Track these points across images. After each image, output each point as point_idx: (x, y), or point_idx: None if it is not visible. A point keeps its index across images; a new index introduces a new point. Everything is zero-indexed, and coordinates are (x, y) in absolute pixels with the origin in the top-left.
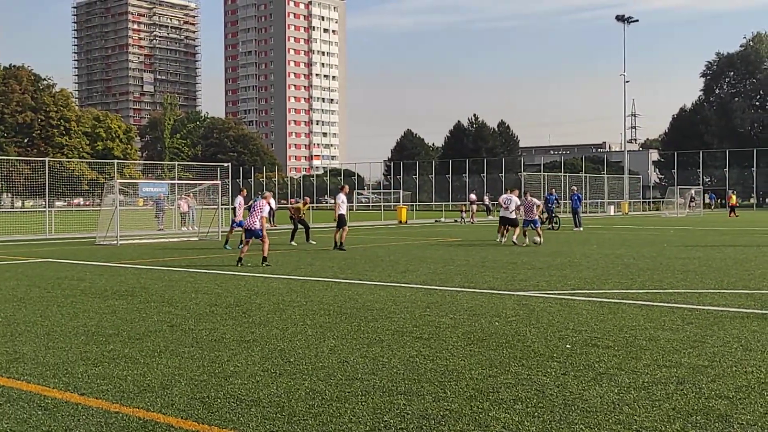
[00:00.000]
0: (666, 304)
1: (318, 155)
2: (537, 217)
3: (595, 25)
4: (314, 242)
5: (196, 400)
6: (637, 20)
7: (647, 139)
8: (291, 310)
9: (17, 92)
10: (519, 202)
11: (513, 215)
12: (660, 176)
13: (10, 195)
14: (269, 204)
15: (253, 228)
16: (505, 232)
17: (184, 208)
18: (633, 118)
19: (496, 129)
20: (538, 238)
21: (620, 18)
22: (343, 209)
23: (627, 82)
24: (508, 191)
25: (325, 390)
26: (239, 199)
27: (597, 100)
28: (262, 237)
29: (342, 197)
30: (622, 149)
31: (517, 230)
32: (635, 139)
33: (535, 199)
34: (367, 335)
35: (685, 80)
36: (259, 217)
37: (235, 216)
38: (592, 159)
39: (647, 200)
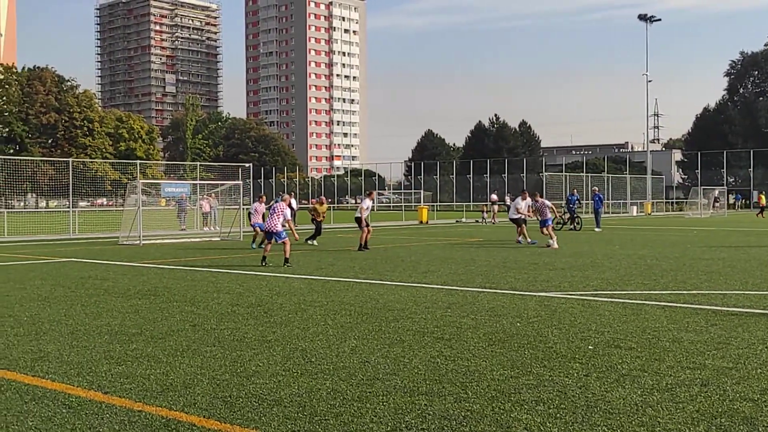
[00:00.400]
0: (689, 306)
1: (339, 155)
2: (549, 216)
3: (615, 24)
4: (311, 243)
5: (219, 399)
6: (659, 19)
7: (670, 139)
8: (312, 310)
9: (41, 93)
10: (522, 204)
11: (515, 215)
12: (683, 176)
13: (34, 195)
14: (289, 206)
15: (273, 230)
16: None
17: (205, 208)
18: (656, 117)
19: (518, 129)
20: (550, 241)
21: (643, 17)
22: (365, 214)
23: (650, 81)
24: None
25: (346, 390)
26: (255, 206)
27: (619, 100)
28: (285, 239)
29: (368, 203)
30: (645, 149)
31: (522, 229)
32: (658, 139)
33: (545, 200)
34: (388, 335)
35: (707, 80)
36: (281, 219)
37: (250, 220)
38: (615, 159)
39: (670, 201)
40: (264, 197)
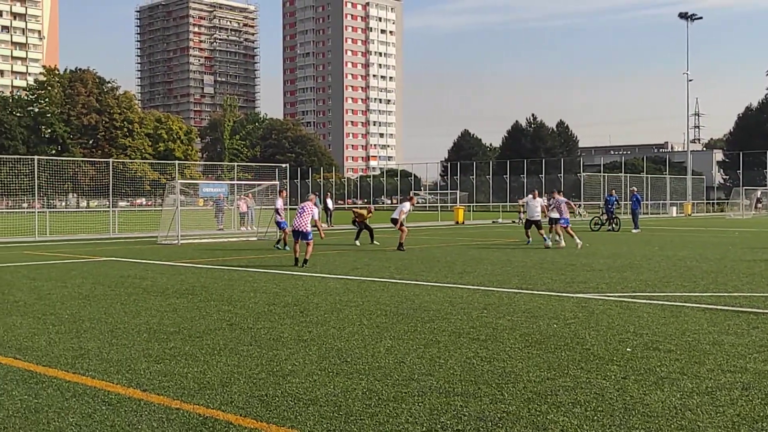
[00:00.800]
0: (730, 308)
1: (375, 156)
2: (566, 215)
3: (655, 22)
4: (377, 243)
5: (255, 398)
6: (700, 17)
7: (711, 138)
8: (348, 310)
9: (83, 95)
10: (536, 203)
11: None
12: (724, 177)
13: (75, 195)
14: (319, 204)
15: (302, 230)
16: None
17: (243, 209)
18: (696, 117)
19: (555, 129)
20: (558, 238)
21: (683, 15)
22: (402, 217)
23: (690, 80)
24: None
25: (381, 390)
26: (280, 202)
27: (659, 99)
28: (311, 240)
29: (408, 207)
30: (685, 149)
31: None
32: (699, 139)
33: (560, 198)
34: (423, 336)
35: (750, 78)
36: (309, 218)
37: (280, 217)
38: (654, 159)
39: (711, 201)
40: (284, 192)
